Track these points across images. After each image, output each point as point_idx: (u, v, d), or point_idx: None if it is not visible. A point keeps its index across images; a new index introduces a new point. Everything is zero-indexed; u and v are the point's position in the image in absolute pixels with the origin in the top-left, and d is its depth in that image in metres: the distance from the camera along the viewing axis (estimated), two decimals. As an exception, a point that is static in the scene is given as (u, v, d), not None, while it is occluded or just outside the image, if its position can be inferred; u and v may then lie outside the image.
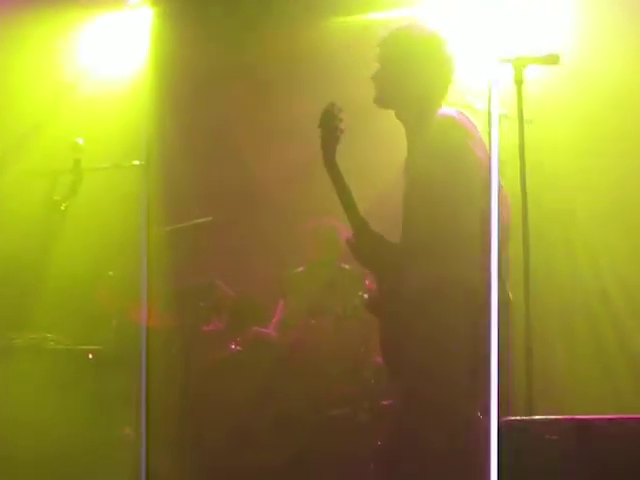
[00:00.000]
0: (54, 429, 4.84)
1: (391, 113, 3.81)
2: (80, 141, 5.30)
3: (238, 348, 5.59)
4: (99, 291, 5.47)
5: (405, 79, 3.73)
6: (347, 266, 5.95)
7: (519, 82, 3.63)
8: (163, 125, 6.23)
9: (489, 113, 3.83)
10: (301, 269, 6.13)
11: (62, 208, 5.25)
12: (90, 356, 5.11)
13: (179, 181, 6.33)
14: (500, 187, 3.50)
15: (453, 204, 3.52)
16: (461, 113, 3.66)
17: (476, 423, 3.50)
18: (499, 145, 4.08)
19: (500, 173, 3.59)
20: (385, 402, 5.08)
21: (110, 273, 5.47)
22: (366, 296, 5.50)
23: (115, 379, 5.07)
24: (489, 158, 3.54)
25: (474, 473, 3.41)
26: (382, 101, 3.79)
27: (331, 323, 5.54)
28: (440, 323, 3.52)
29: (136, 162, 5.33)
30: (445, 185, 3.53)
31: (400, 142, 3.83)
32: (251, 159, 6.63)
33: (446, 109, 3.69)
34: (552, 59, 3.67)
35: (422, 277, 3.57)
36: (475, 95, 4.20)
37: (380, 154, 5.40)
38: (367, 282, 5.69)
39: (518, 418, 2.96)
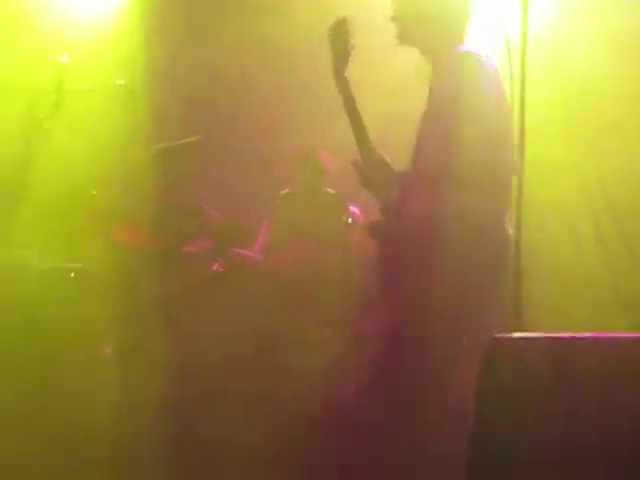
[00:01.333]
0: (34, 346, 4.84)
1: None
2: (64, 59, 5.21)
3: (220, 269, 5.59)
4: (83, 210, 5.43)
5: (424, 17, 3.70)
6: (332, 191, 5.95)
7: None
8: (150, 47, 6.19)
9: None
10: (286, 192, 6.11)
11: (45, 127, 5.18)
12: (72, 274, 5.09)
13: (164, 103, 6.28)
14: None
15: (465, 136, 3.49)
16: (487, 55, 3.63)
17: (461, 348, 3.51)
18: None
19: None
20: (368, 327, 5.09)
21: (93, 192, 5.43)
22: (350, 221, 5.52)
23: (97, 298, 5.06)
24: (504, 104, 3.56)
25: (457, 398, 3.45)
26: (404, 39, 3.76)
27: (315, 246, 5.55)
28: (440, 251, 3.51)
29: (121, 82, 5.26)
30: (457, 117, 3.50)
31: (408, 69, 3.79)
32: (238, 81, 6.58)
33: (470, 46, 3.66)
34: None
35: (427, 205, 3.56)
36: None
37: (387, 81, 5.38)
38: (351, 208, 5.71)
39: (501, 336, 2.96)
